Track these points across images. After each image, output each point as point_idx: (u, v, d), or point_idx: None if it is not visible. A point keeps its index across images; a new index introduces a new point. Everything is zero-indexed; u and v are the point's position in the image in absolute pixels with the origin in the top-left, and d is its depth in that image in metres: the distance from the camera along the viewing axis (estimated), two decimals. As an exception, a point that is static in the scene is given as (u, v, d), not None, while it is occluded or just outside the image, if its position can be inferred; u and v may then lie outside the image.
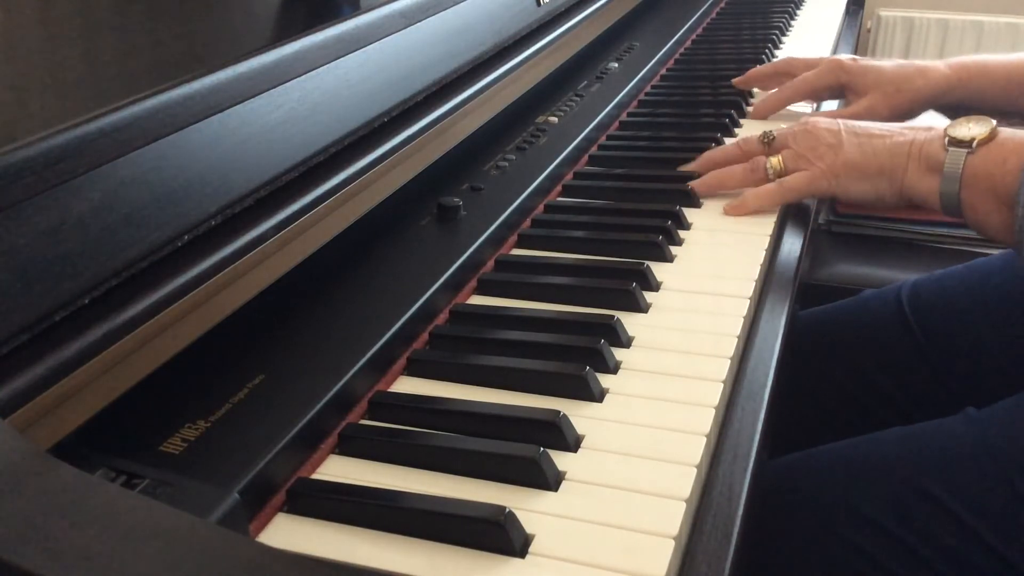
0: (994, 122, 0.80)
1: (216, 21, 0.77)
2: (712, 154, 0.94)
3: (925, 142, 0.82)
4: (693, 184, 0.89)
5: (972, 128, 0.80)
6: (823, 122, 0.87)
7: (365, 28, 0.73)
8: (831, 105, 1.14)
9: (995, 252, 1.08)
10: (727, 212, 0.85)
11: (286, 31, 0.68)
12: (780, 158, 0.86)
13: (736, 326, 0.68)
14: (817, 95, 1.12)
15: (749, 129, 1.08)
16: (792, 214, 0.89)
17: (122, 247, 0.49)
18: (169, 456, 0.49)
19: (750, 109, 1.14)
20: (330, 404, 0.56)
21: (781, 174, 0.86)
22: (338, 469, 0.55)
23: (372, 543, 0.49)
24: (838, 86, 1.08)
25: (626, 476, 0.53)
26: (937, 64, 1.04)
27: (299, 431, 0.53)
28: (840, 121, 0.87)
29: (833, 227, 1.31)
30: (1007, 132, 0.79)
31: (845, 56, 1.09)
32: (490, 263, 0.77)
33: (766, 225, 0.84)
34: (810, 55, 1.15)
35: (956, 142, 0.80)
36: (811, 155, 0.85)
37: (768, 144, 0.89)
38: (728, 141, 1.03)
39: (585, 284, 0.73)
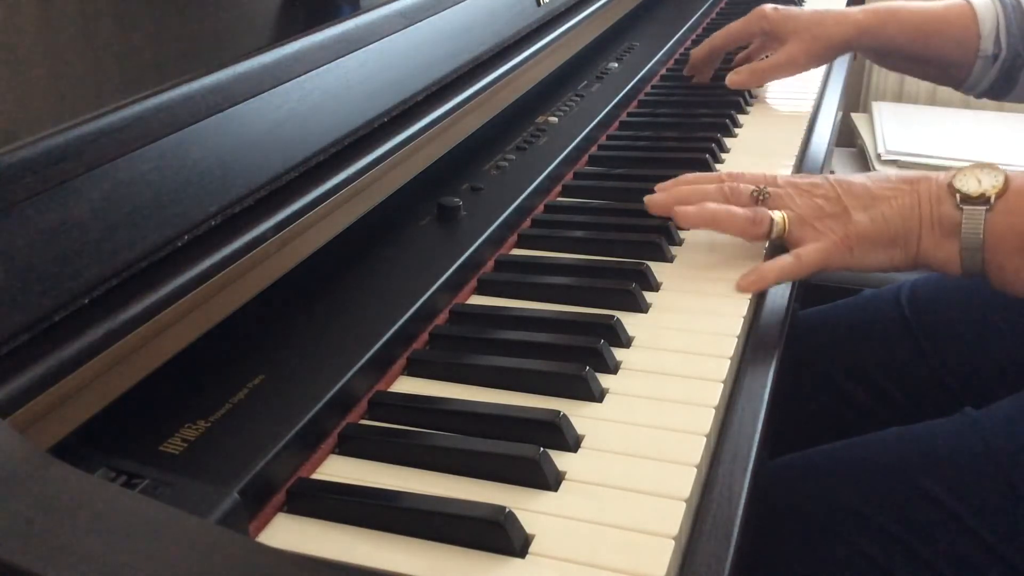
0: (1003, 170, 0.72)
1: (216, 21, 0.77)
2: (689, 182, 0.82)
3: (935, 201, 0.73)
4: (678, 211, 0.77)
5: (983, 181, 0.72)
6: (818, 186, 0.77)
7: (365, 28, 0.73)
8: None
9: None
10: (741, 287, 0.73)
11: (286, 31, 0.69)
12: (784, 217, 0.75)
13: (736, 326, 0.68)
14: (740, 42, 1.16)
15: (749, 128, 1.08)
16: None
17: (122, 247, 0.49)
18: (169, 456, 0.49)
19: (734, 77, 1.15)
20: (330, 404, 0.56)
21: (781, 235, 0.76)
22: (338, 469, 0.55)
23: (372, 543, 0.49)
24: (761, 34, 1.12)
25: (626, 476, 0.53)
26: (852, 10, 1.07)
27: (299, 431, 0.53)
28: (833, 181, 0.78)
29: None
30: (1021, 179, 0.72)
31: (768, 5, 1.12)
32: (490, 263, 0.77)
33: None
34: None
35: (968, 199, 0.71)
36: (818, 224, 0.75)
37: (762, 201, 0.77)
38: (728, 141, 1.03)
39: (585, 284, 0.73)
